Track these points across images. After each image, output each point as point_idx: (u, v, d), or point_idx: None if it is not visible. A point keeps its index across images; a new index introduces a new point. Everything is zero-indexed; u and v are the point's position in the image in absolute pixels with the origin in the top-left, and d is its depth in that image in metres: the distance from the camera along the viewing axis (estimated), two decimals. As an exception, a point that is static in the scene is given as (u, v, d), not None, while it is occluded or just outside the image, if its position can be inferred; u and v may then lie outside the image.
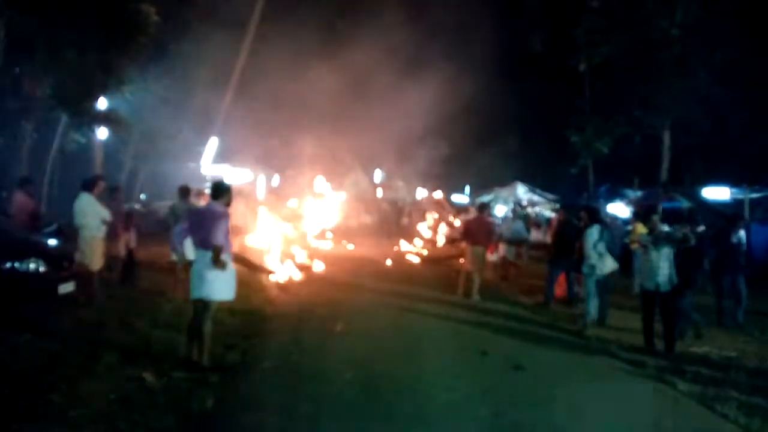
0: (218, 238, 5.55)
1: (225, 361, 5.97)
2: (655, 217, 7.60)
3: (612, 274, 9.21)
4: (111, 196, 9.60)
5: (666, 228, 7.65)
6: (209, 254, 5.54)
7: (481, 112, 27.02)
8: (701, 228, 9.88)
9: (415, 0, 24.96)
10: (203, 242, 5.64)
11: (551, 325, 8.69)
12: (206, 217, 5.74)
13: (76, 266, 7.72)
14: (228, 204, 5.96)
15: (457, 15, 25.67)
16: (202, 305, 5.67)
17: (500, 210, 21.65)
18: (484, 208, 12.80)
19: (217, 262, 5.52)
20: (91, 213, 8.18)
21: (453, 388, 5.68)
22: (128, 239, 10.01)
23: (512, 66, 28.24)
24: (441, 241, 17.03)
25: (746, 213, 16.53)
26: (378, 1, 23.61)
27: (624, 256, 12.90)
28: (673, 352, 7.02)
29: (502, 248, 13.20)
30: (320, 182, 21.78)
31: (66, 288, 7.14)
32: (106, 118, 13.83)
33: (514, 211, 15.64)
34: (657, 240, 7.37)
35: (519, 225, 13.89)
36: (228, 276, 5.70)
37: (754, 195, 17.09)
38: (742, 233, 9.78)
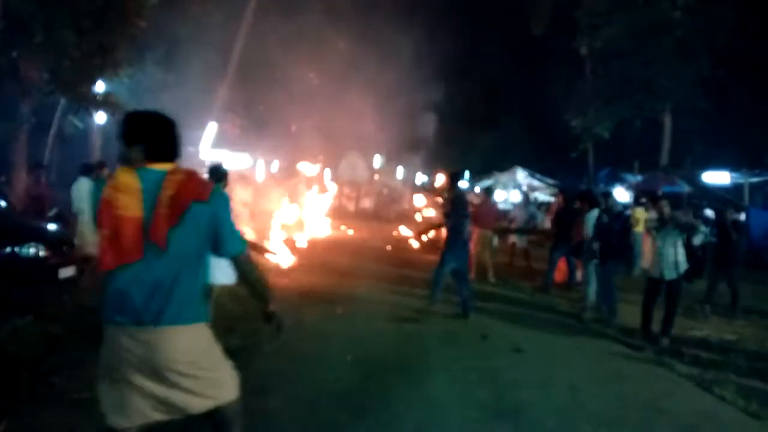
0: None
1: (225, 345, 5.98)
2: (664, 202, 7.44)
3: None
4: None
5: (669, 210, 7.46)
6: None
7: (481, 96, 26.91)
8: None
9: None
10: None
11: (551, 309, 8.73)
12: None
13: (76, 251, 7.72)
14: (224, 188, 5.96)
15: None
16: (202, 289, 5.67)
17: (513, 196, 21.54)
18: (489, 192, 12.95)
19: None
20: (85, 198, 8.15)
21: (453, 371, 5.72)
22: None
23: (513, 49, 28.05)
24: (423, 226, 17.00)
25: (746, 197, 16.55)
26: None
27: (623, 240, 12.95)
28: (668, 336, 7.03)
29: (513, 235, 13.28)
30: (319, 167, 21.73)
31: (66, 272, 7.14)
32: (104, 102, 13.73)
33: (526, 195, 15.60)
34: (662, 226, 7.22)
35: (532, 210, 13.93)
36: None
37: (754, 179, 17.11)
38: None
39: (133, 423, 2.51)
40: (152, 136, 2.51)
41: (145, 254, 2.38)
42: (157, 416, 2.53)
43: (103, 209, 2.41)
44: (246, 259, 2.73)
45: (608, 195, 9.33)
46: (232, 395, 2.75)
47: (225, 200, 2.59)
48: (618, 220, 8.34)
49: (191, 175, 2.48)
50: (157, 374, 2.47)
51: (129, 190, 2.37)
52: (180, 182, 2.41)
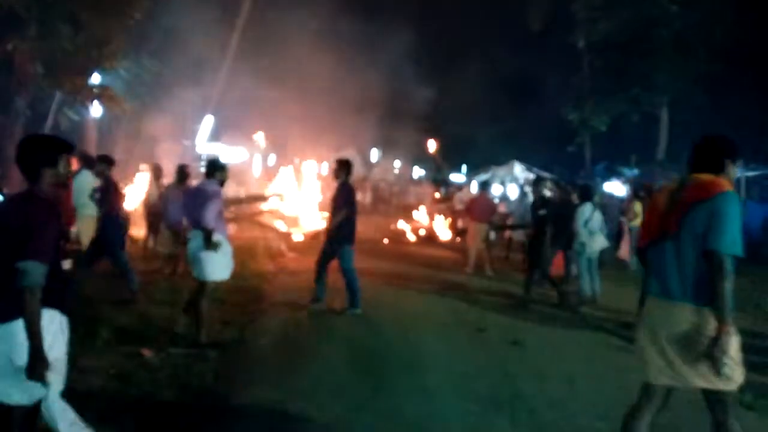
0: (208, 219, 5.45)
1: (223, 338, 5.99)
2: None
3: (606, 251, 9.26)
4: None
5: None
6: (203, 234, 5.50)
7: (478, 90, 26.85)
8: None
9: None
10: (196, 222, 5.58)
11: (547, 303, 8.74)
12: (198, 196, 5.68)
13: (72, 244, 7.68)
14: (222, 183, 5.91)
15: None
16: (198, 284, 5.66)
17: (511, 190, 21.46)
18: (486, 186, 13.03)
19: (208, 244, 5.47)
20: (86, 190, 8.09)
21: (450, 364, 5.73)
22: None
23: (510, 43, 27.98)
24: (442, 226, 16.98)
25: (742, 191, 16.58)
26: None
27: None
28: None
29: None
30: (315, 160, 21.68)
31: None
32: (100, 95, 13.69)
33: (522, 188, 15.59)
34: None
35: (527, 204, 13.97)
36: (222, 256, 5.62)
37: (751, 173, 17.13)
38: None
39: (652, 381, 3.16)
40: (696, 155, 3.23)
41: (663, 239, 3.11)
42: (664, 380, 3.11)
43: (649, 204, 3.48)
44: (721, 265, 2.91)
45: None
46: (725, 387, 3.13)
47: (727, 200, 2.95)
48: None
49: (700, 182, 3.08)
50: (664, 341, 3.05)
51: (663, 193, 3.28)
52: (690, 187, 3.09)
